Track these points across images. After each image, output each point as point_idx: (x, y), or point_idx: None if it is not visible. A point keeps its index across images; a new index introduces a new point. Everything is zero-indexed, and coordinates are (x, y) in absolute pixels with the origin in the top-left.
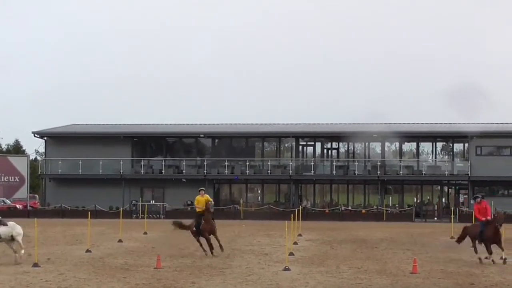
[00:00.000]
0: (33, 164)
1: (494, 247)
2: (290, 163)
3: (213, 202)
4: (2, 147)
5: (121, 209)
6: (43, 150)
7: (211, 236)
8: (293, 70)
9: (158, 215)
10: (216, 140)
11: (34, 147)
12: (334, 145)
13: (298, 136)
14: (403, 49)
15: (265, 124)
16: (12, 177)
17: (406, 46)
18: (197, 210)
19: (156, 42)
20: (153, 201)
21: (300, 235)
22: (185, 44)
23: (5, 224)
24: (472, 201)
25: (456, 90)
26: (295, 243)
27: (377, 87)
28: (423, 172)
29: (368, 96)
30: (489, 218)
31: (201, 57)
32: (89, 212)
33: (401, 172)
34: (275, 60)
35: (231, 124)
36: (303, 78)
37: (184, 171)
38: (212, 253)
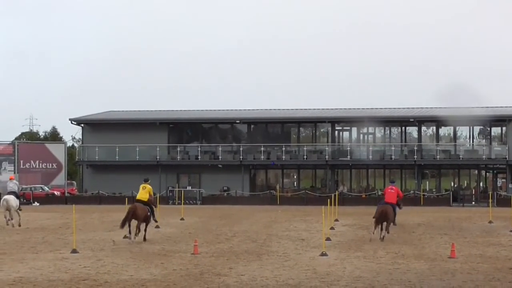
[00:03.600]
0: (70, 150)
1: None
2: (326, 148)
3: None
4: (40, 134)
5: (157, 195)
6: (80, 137)
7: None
8: (328, 56)
9: (194, 201)
10: (252, 126)
11: (71, 134)
12: (370, 130)
13: (334, 121)
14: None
15: (301, 109)
16: (50, 164)
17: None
18: None
19: (192, 29)
20: (190, 187)
21: (336, 220)
22: (221, 31)
23: None
24: (510, 185)
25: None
26: (331, 228)
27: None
28: (460, 156)
29: (404, 82)
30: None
31: (237, 43)
32: (126, 199)
33: (438, 157)
34: (310, 46)
35: (266, 109)
36: (339, 64)
37: (220, 157)
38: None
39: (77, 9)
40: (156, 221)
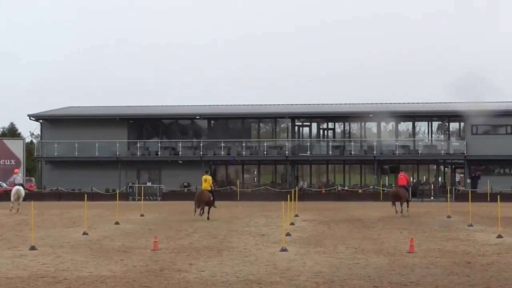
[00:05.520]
0: (29, 147)
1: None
2: (286, 144)
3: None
4: None
5: (117, 191)
6: (39, 133)
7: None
8: (289, 51)
9: (154, 197)
10: (212, 122)
11: (29, 130)
12: (330, 125)
13: (294, 117)
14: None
15: (261, 105)
16: (8, 160)
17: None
18: None
19: (150, 24)
20: (150, 183)
21: (297, 215)
22: (182, 27)
23: None
24: (468, 180)
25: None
26: (292, 223)
27: (375, 69)
28: (419, 151)
29: (365, 76)
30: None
31: (198, 38)
32: (85, 195)
33: (397, 152)
34: (271, 41)
35: (227, 105)
36: (300, 59)
37: (180, 153)
38: None
39: (37, 6)
40: (215, 207)
